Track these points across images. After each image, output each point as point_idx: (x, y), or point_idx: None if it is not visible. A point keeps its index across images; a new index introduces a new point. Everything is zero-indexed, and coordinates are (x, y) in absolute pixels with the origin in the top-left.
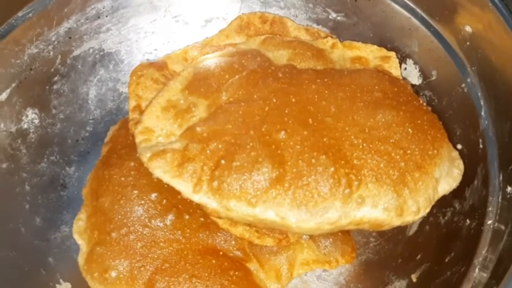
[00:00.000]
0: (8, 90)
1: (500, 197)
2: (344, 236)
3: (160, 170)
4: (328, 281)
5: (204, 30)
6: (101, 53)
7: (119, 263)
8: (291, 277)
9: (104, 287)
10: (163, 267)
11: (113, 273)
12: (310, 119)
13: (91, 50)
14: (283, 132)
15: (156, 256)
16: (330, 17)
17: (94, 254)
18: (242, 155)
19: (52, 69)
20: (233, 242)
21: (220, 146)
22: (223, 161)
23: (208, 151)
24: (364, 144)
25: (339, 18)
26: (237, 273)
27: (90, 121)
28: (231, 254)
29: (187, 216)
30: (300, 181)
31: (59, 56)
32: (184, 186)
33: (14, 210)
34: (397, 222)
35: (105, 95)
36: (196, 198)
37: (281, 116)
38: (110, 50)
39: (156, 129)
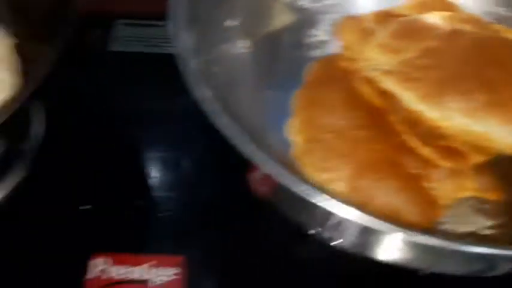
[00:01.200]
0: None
1: None
2: None
3: (390, 83)
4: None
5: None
6: None
7: (328, 156)
8: (456, 198)
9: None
10: (364, 165)
11: (324, 164)
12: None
13: None
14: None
15: (358, 158)
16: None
17: (308, 149)
18: (460, 84)
19: None
20: (418, 163)
21: (441, 75)
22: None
23: (431, 77)
24: None
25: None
26: (418, 184)
27: None
28: (415, 171)
29: (383, 136)
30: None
31: None
32: (409, 98)
33: None
34: None
35: None
36: (420, 107)
37: (478, 65)
38: None
39: (372, 60)
